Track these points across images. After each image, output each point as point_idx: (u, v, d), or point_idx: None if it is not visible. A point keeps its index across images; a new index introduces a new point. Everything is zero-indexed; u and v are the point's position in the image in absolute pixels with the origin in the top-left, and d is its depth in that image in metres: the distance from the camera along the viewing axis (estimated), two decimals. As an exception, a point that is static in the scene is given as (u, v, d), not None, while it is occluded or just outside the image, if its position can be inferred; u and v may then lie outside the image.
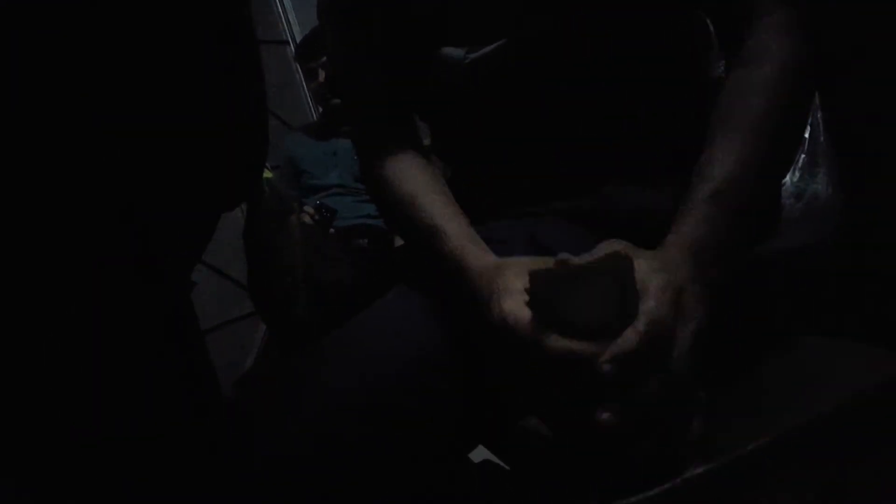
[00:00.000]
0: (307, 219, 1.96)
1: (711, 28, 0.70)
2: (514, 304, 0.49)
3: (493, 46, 0.64)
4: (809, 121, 0.92)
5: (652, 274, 0.47)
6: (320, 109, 2.39)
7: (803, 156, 0.92)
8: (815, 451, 0.41)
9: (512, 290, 0.50)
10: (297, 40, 2.65)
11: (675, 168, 0.58)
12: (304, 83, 2.73)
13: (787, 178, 0.92)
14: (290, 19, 2.90)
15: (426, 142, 0.76)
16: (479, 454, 0.72)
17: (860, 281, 0.84)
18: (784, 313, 0.66)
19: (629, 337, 0.45)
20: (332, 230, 1.97)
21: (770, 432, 0.46)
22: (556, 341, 0.47)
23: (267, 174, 1.10)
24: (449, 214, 0.62)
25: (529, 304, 0.49)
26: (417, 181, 0.66)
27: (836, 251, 0.83)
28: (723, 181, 0.52)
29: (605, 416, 0.44)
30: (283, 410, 0.57)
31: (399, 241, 1.88)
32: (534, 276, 0.48)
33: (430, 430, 0.56)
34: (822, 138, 0.91)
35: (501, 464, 0.73)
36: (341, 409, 0.54)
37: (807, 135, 0.92)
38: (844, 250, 0.84)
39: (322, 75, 2.11)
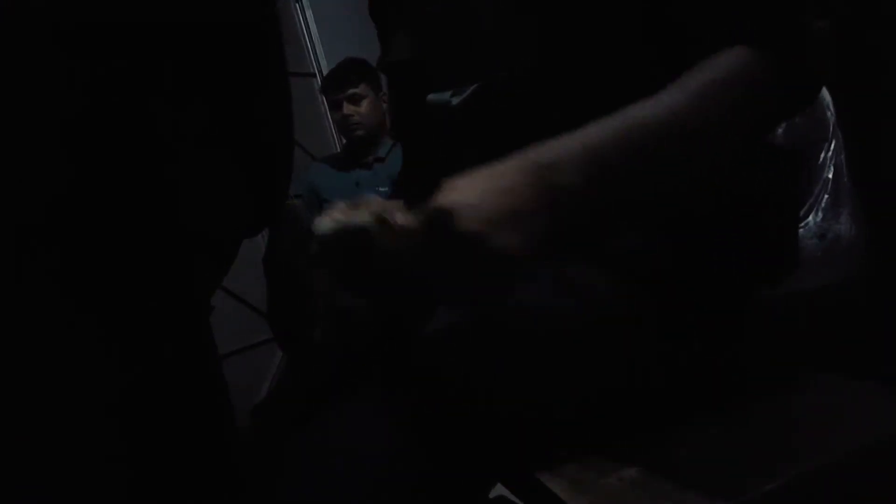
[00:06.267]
0: (327, 247, 1.97)
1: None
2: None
3: (471, 89, 0.65)
4: (833, 161, 0.91)
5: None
6: (343, 141, 2.42)
7: (826, 196, 0.91)
8: (829, 496, 0.41)
9: None
10: (324, 73, 2.71)
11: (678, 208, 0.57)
12: (328, 115, 2.78)
13: (811, 218, 0.92)
14: (318, 53, 2.96)
15: None
16: (494, 491, 0.70)
17: (882, 321, 0.83)
18: (806, 352, 0.65)
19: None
20: (351, 259, 1.98)
21: (786, 474, 0.45)
22: None
23: (289, 202, 1.12)
24: None
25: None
26: None
27: (859, 291, 0.82)
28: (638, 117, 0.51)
29: None
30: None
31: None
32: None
33: None
34: (845, 179, 0.91)
35: (518, 502, 0.71)
36: None
37: (830, 175, 0.92)
38: (867, 290, 0.83)
39: (346, 107, 2.15)
